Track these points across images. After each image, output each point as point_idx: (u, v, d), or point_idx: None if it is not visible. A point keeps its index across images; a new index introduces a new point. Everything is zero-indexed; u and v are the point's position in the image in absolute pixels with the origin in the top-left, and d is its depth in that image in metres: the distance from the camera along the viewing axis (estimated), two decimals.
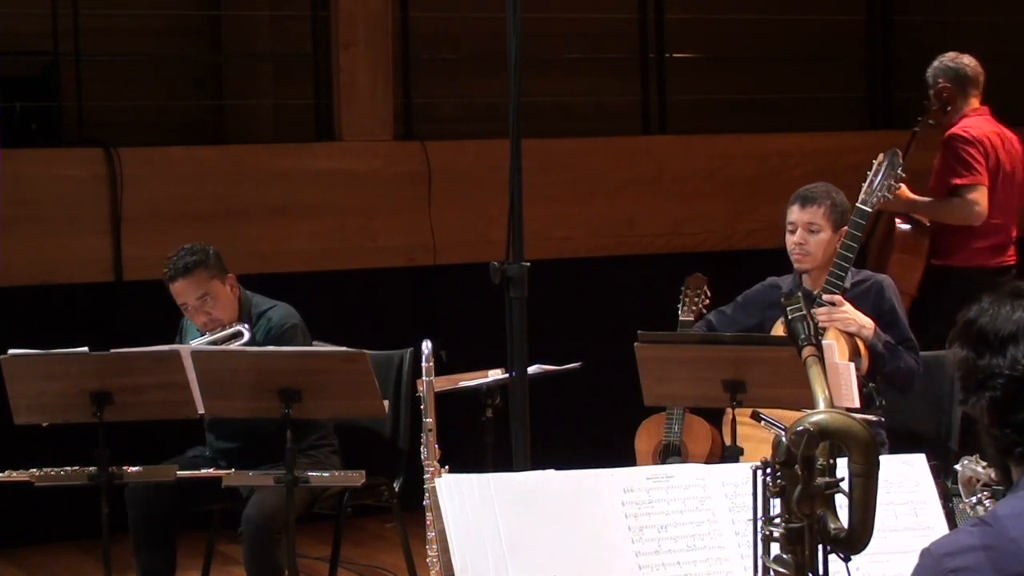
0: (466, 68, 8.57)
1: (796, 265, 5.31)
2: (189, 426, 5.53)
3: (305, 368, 5.03)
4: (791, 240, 5.29)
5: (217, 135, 8.40)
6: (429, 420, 4.18)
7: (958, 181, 6.66)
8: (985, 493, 3.73)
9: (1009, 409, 2.23)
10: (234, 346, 5.45)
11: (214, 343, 5.47)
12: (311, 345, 5.57)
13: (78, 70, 7.60)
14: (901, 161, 5.38)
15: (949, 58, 6.97)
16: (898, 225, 6.80)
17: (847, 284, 5.24)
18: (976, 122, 6.86)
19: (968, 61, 6.96)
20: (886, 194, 5.33)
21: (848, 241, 5.22)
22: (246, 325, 5.49)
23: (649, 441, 6.05)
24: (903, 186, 6.54)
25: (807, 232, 5.26)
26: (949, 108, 6.88)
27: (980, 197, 6.63)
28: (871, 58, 9.54)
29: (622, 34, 8.87)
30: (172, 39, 8.52)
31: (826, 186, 5.36)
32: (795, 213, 5.30)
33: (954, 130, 6.77)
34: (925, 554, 2.22)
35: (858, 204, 5.31)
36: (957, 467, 3.88)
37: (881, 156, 5.39)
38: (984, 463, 3.71)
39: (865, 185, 5.34)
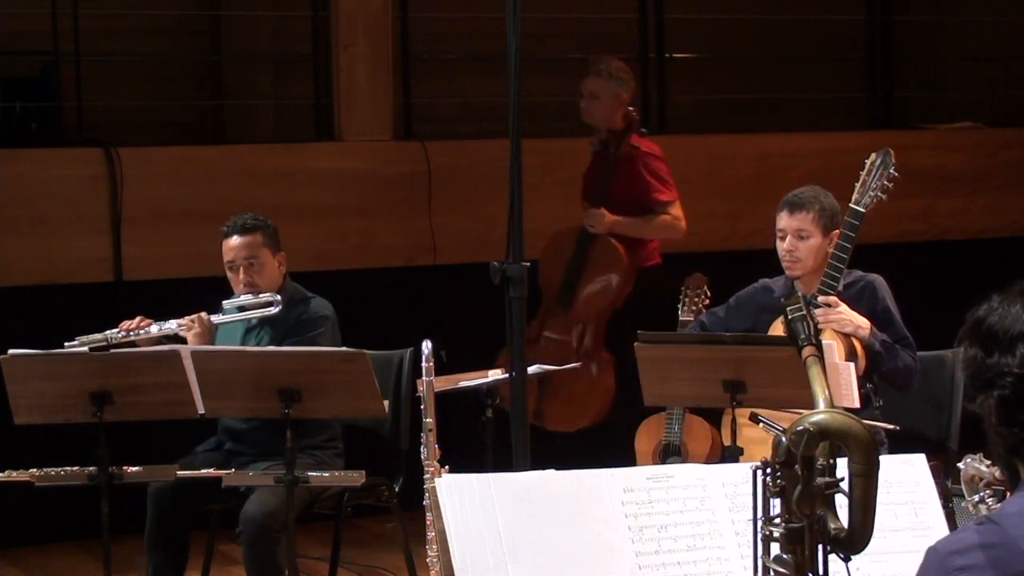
0: (466, 68, 8.57)
1: (787, 272, 5.30)
2: (190, 426, 5.53)
3: (305, 368, 5.03)
4: (781, 247, 5.28)
5: (217, 135, 8.40)
6: (429, 420, 4.18)
7: (663, 197, 7.01)
8: (988, 492, 3.73)
9: (1018, 408, 2.24)
10: (256, 314, 5.53)
11: (244, 308, 5.56)
12: (339, 341, 5.56)
13: (78, 70, 7.61)
14: (894, 160, 5.37)
15: (621, 68, 7.12)
16: (616, 245, 6.96)
17: (839, 286, 5.23)
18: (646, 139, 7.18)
19: None
20: (879, 194, 5.32)
21: (842, 242, 5.20)
22: (279, 297, 5.53)
23: (649, 441, 6.05)
24: (603, 209, 6.88)
25: (797, 239, 5.24)
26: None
27: (680, 211, 7.05)
28: (871, 58, 9.54)
29: (622, 34, 8.87)
30: (172, 39, 8.52)
31: (814, 190, 5.33)
32: (784, 220, 5.28)
33: (646, 148, 7.04)
34: (931, 552, 2.22)
35: (851, 204, 5.29)
36: (960, 465, 3.89)
37: (874, 156, 5.37)
38: (988, 462, 3.72)
39: (858, 185, 5.32)
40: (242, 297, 5.56)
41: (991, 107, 9.34)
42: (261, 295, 5.55)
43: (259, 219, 5.68)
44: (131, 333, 5.48)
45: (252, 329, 5.67)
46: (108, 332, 5.48)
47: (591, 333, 6.96)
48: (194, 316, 5.53)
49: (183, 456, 5.57)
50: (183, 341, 5.52)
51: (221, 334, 5.67)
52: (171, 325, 5.54)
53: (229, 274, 5.63)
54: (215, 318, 5.57)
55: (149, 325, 5.52)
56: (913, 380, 5.23)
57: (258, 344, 5.61)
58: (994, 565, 2.15)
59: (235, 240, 5.59)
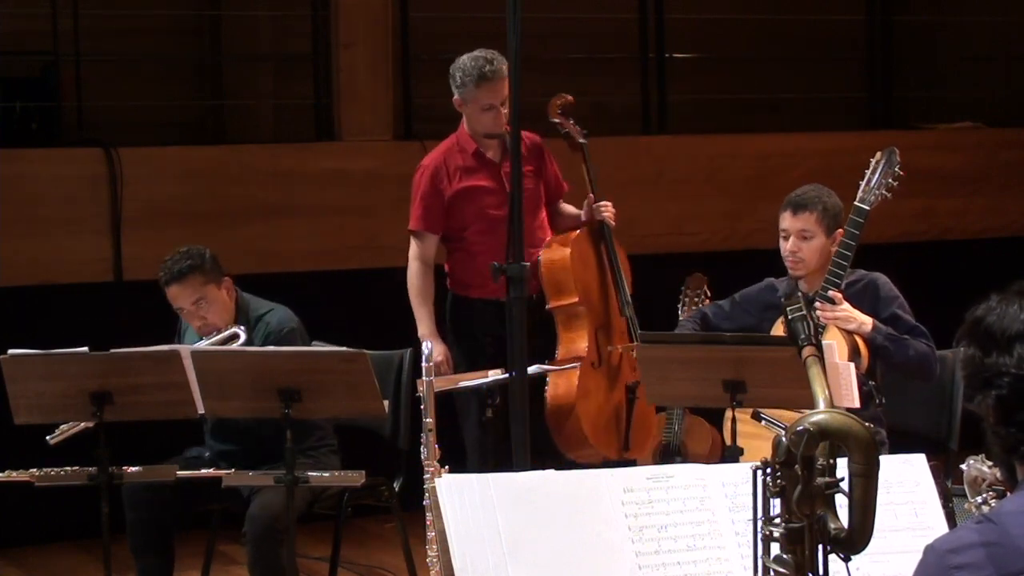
0: None
1: (791, 271, 5.30)
2: (189, 426, 5.53)
3: (305, 368, 5.03)
4: (785, 247, 5.28)
5: (217, 135, 8.40)
6: (429, 420, 4.18)
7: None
8: (991, 493, 3.73)
9: (1015, 408, 2.23)
10: (234, 346, 5.46)
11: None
12: (308, 344, 5.56)
13: (78, 70, 7.61)
14: (898, 159, 5.38)
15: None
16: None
17: (843, 284, 5.23)
18: None
19: None
20: (884, 192, 5.33)
21: (847, 240, 5.21)
22: (242, 328, 5.49)
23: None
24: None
25: (800, 239, 5.25)
26: None
27: None
28: (871, 58, 9.54)
29: (622, 34, 8.87)
30: (172, 39, 8.52)
31: (817, 190, 5.33)
32: (787, 220, 5.28)
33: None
34: (929, 550, 2.22)
35: (856, 203, 5.30)
36: (963, 467, 3.88)
37: (879, 154, 5.38)
38: (990, 463, 3.71)
39: (863, 183, 5.33)
40: (203, 342, 5.49)
41: (991, 107, 9.34)
42: (221, 333, 5.50)
43: (193, 255, 5.51)
44: None
45: None
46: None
47: None
48: None
49: (176, 458, 5.56)
50: None
51: None
52: None
53: (182, 316, 5.59)
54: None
55: None
56: (931, 367, 5.20)
57: None
58: (992, 563, 2.15)
59: (175, 289, 5.49)
